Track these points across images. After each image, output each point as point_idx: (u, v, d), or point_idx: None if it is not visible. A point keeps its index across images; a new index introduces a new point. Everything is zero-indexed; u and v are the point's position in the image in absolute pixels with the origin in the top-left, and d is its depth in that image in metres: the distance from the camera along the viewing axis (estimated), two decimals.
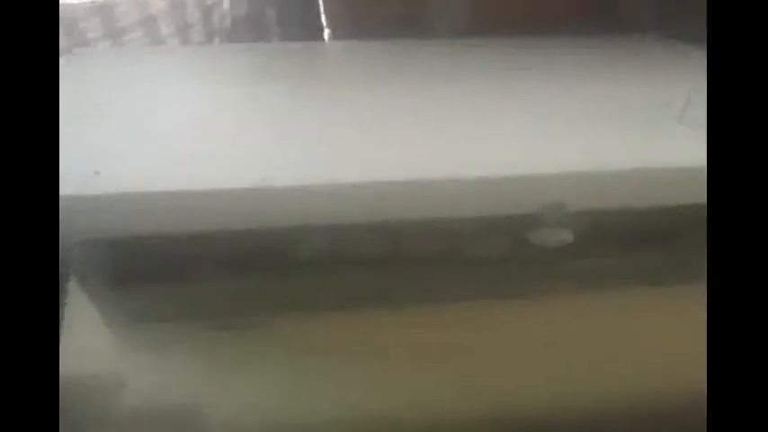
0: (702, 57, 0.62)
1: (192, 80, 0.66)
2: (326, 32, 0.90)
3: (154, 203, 0.43)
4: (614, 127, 0.52)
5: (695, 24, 0.69)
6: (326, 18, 0.90)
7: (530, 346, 0.52)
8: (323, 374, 0.50)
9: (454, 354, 0.51)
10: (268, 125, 0.53)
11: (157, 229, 0.44)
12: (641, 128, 0.52)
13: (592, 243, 0.49)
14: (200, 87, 0.63)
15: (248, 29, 0.89)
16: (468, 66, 0.71)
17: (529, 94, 0.61)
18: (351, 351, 0.51)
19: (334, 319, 0.52)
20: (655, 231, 0.51)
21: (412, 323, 0.52)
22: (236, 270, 0.50)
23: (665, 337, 0.52)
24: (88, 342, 0.50)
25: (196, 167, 0.45)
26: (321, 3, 0.89)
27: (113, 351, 0.50)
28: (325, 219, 0.45)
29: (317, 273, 0.51)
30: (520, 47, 0.75)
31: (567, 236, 0.47)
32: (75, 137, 0.47)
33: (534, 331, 0.53)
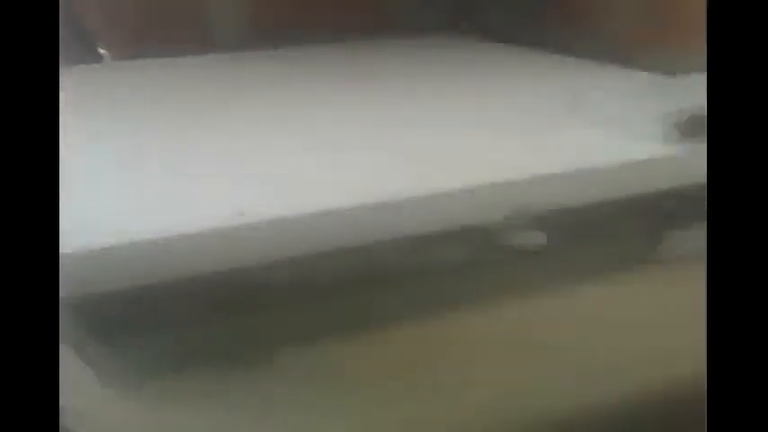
0: (513, 52, 0.80)
1: None
2: (102, 52, 0.88)
3: (135, 253, 0.42)
4: (522, 130, 0.57)
5: (479, 21, 0.91)
6: (103, 42, 0.88)
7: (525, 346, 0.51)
8: (329, 404, 0.47)
9: (454, 364, 0.49)
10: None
11: (140, 280, 0.43)
12: (546, 128, 0.57)
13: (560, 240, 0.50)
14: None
15: None
16: (297, 77, 0.74)
17: (385, 104, 0.64)
18: (349, 377, 0.49)
19: (325, 349, 0.49)
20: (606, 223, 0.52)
21: (404, 340, 0.50)
22: (222, 312, 0.48)
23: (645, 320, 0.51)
24: (88, 404, 0.48)
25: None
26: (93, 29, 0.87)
27: (115, 410, 0.48)
28: (295, 250, 0.46)
29: (290, 305, 0.50)
30: (319, 55, 0.80)
31: (541, 238, 0.49)
32: None
33: (531, 330, 0.51)
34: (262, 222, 0.44)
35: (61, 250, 0.38)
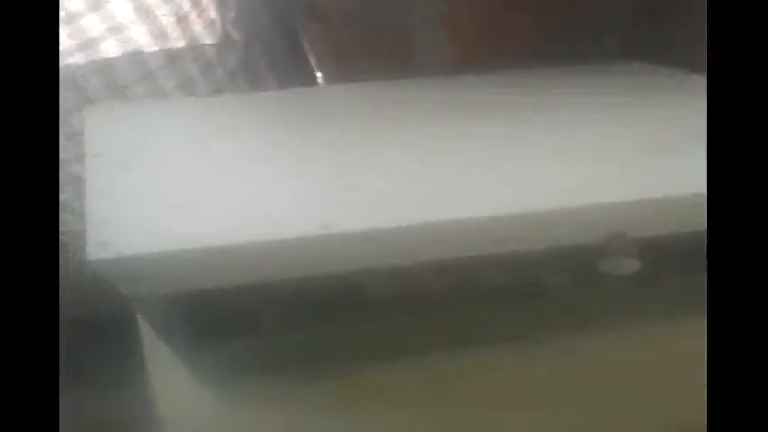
0: (696, 80, 0.72)
1: (211, 132, 0.66)
2: (319, 76, 0.94)
3: (226, 257, 0.43)
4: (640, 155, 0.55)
5: (671, 49, 0.84)
6: (315, 62, 0.94)
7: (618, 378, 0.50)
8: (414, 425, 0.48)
9: (550, 391, 0.49)
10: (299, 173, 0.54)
11: (230, 282, 0.44)
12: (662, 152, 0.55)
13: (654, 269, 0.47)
14: (222, 139, 0.63)
15: (246, 78, 0.91)
16: (466, 103, 0.72)
17: (542, 127, 0.63)
18: (433, 397, 0.49)
19: (414, 366, 0.49)
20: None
21: (500, 363, 0.50)
22: (312, 318, 0.49)
23: None
24: (182, 400, 0.49)
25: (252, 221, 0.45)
26: (307, 48, 0.94)
27: (209, 407, 0.49)
28: (388, 261, 0.45)
29: (387, 317, 0.49)
30: (512, 82, 0.76)
31: (633, 264, 0.46)
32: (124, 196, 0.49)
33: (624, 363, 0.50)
34: (357, 232, 0.44)
35: (169, 247, 0.42)
